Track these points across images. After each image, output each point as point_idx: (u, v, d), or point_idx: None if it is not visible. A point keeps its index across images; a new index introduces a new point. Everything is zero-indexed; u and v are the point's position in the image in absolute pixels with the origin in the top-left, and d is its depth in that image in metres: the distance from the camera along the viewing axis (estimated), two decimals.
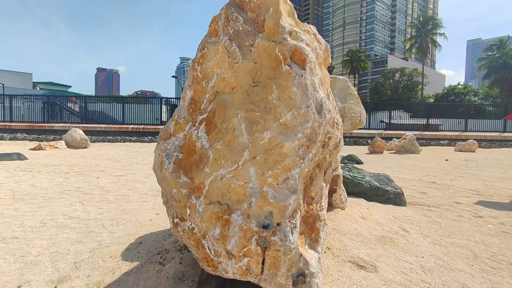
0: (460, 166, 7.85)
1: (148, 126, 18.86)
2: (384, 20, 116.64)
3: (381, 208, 3.34)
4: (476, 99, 44.54)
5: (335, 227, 2.39)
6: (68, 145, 10.97)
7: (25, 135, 15.84)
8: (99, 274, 1.87)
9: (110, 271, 1.90)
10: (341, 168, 4.17)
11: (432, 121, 21.47)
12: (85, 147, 11.16)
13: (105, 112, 22.22)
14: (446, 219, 3.14)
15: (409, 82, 50.99)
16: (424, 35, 42.79)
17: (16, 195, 3.92)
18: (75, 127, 13.10)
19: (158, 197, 3.89)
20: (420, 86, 47.24)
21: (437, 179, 5.70)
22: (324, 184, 1.63)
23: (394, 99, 44.48)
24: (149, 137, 16.29)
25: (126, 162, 7.50)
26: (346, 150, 12.21)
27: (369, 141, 14.65)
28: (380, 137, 13.29)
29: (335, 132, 1.44)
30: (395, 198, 3.72)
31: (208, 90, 1.49)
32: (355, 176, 3.85)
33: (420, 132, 18.91)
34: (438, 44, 43.56)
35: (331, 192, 2.76)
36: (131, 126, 18.75)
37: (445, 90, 48.85)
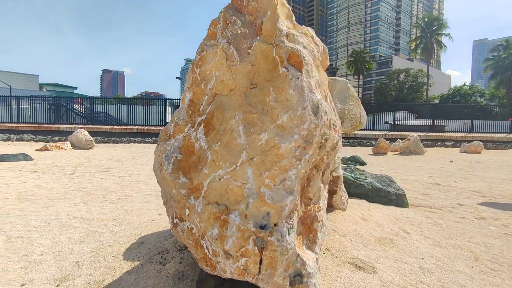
0: (465, 167, 7.78)
1: (153, 127, 18.99)
2: (388, 21, 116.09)
3: (383, 210, 3.33)
4: (482, 100, 44.10)
5: (335, 228, 2.39)
6: (74, 146, 11.09)
7: (32, 136, 16.05)
8: (100, 273, 1.90)
9: (111, 270, 1.93)
10: (343, 169, 4.17)
11: (437, 122, 21.30)
12: (90, 148, 11.27)
13: (110, 113, 22.44)
14: (448, 221, 3.13)
15: (414, 83, 50.69)
16: (429, 36, 42.50)
17: (22, 195, 3.99)
18: (81, 128, 13.25)
19: (161, 197, 3.92)
20: (425, 87, 46.89)
21: (441, 181, 5.66)
22: (322, 185, 1.64)
23: (399, 100, 44.27)
24: (154, 138, 16.40)
25: (130, 163, 7.57)
26: (350, 151, 12.18)
27: (373, 142, 14.58)
28: (385, 138, 13.23)
29: (332, 133, 1.45)
30: (397, 199, 3.71)
31: (207, 92, 1.51)
32: (357, 177, 3.85)
33: (425, 133, 18.78)
34: (443, 44, 43.21)
35: (332, 193, 2.77)
36: (136, 127, 18.89)
37: (451, 91, 48.46)
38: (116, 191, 4.35)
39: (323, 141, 1.39)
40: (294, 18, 1.59)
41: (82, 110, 24.56)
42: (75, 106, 25.00)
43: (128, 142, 15.39)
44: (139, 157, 9.10)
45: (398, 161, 9.01)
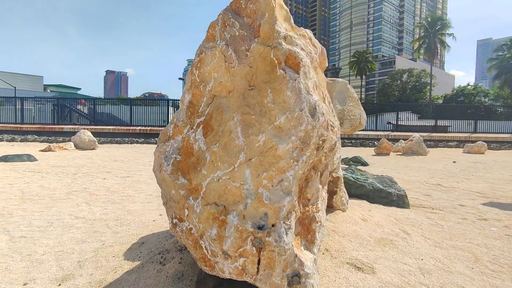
0: (468, 168, 7.74)
1: (155, 128, 19.07)
2: (391, 21, 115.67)
3: (383, 210, 3.33)
4: (486, 100, 43.77)
5: (335, 228, 2.40)
6: (77, 146, 11.17)
7: (36, 136, 16.19)
8: (101, 273, 1.92)
9: (112, 270, 1.95)
10: (344, 170, 4.17)
11: (440, 123, 21.20)
12: (93, 149, 11.35)
13: (113, 114, 22.58)
14: (449, 222, 3.12)
15: (417, 83, 50.45)
16: (432, 36, 42.26)
17: (25, 196, 4.03)
18: (84, 129, 13.34)
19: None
20: (428, 87, 46.65)
21: (443, 181, 5.64)
22: (320, 186, 1.65)
23: (402, 100, 44.08)
24: (156, 138, 16.42)
25: (133, 164, 7.61)
26: (352, 152, 12.15)
27: (375, 142, 14.54)
28: (387, 139, 13.19)
29: (329, 134, 1.46)
30: (398, 200, 3.70)
31: (206, 94, 1.53)
32: (358, 178, 3.85)
33: (428, 133, 18.69)
34: (447, 44, 42.95)
35: (332, 194, 2.77)
36: (139, 127, 18.98)
37: (454, 91, 48.17)
38: (118, 192, 4.38)
39: (320, 142, 1.40)
40: (292, 20, 1.60)
41: (86, 111, 24.72)
42: (78, 107, 25.17)
43: (131, 143, 15.47)
44: (142, 157, 9.15)
45: (400, 162, 8.98)
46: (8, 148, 11.34)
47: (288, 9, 1.58)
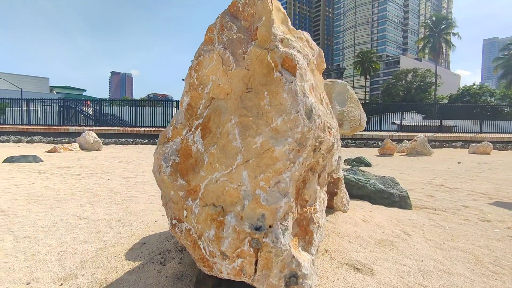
0: (473, 168, 7.67)
1: (159, 129, 19.17)
2: (396, 21, 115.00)
3: (385, 211, 3.32)
4: (492, 99, 43.29)
5: (335, 229, 2.40)
6: (82, 147, 11.29)
7: (42, 137, 16.38)
8: (103, 273, 1.95)
9: (113, 270, 1.98)
10: (346, 170, 4.16)
11: (445, 123, 21.01)
12: (98, 150, 11.45)
13: (118, 115, 22.76)
14: (451, 223, 3.10)
15: (422, 83, 50.08)
16: (437, 35, 41.95)
17: (30, 196, 4.09)
18: (89, 130, 13.47)
19: None
20: (433, 87, 46.28)
21: (447, 182, 5.60)
22: (318, 187, 1.66)
23: (406, 100, 43.78)
24: None
25: (136, 164, 7.67)
26: (356, 152, 12.11)
27: (379, 143, 14.47)
28: (392, 139, 13.11)
29: (326, 136, 1.47)
30: (400, 201, 3.69)
31: (204, 96, 1.55)
32: (360, 179, 3.84)
33: (433, 134, 18.54)
34: (452, 44, 42.60)
35: (332, 195, 2.77)
36: (143, 128, 19.11)
37: (460, 91, 47.71)
38: (121, 192, 4.42)
39: (317, 144, 1.41)
40: (289, 23, 1.61)
41: (91, 112, 24.96)
42: (84, 108, 25.42)
43: (135, 144, 15.58)
44: (145, 158, 9.21)
45: (404, 162, 8.92)
46: (14, 149, 11.50)
47: (285, 12, 1.60)
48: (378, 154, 11.53)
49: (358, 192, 3.76)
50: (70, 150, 10.61)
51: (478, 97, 42.80)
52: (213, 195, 1.48)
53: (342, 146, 16.06)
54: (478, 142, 13.92)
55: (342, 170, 4.19)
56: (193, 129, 1.55)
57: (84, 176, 5.74)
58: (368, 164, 8.17)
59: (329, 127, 1.52)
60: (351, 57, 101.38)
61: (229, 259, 1.45)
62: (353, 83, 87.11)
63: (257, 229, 1.40)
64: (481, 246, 2.49)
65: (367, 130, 19.82)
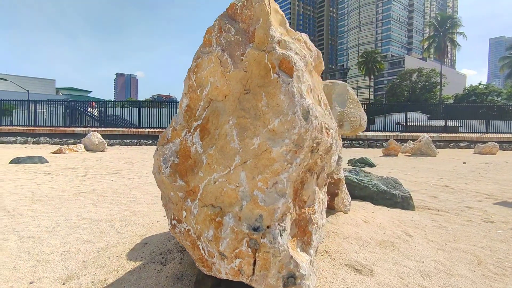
0: (478, 169, 7.59)
1: (164, 130, 19.27)
2: (400, 20, 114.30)
3: (387, 212, 3.30)
4: (499, 99, 42.78)
5: (335, 230, 2.40)
6: (87, 148, 11.40)
7: (48, 139, 16.57)
8: (104, 273, 1.97)
9: (114, 270, 2.00)
10: (348, 171, 4.15)
11: (451, 123, 20.82)
12: (102, 151, 11.55)
13: (123, 116, 22.95)
14: (454, 224, 3.07)
15: (427, 83, 49.68)
16: (442, 35, 41.60)
17: (35, 197, 4.14)
18: (94, 131, 13.61)
19: None
20: (438, 87, 45.88)
21: (451, 183, 5.55)
22: (316, 188, 1.66)
23: (411, 101, 43.47)
24: None
25: (140, 165, 7.73)
26: (360, 153, 12.06)
27: (383, 143, 14.38)
28: (396, 140, 13.02)
29: (324, 137, 1.47)
30: (402, 202, 3.67)
31: (203, 98, 1.56)
32: (362, 180, 3.83)
33: (438, 134, 18.38)
34: (457, 43, 42.21)
35: (333, 195, 2.77)
36: (147, 129, 19.23)
37: (466, 91, 47.23)
38: (124, 193, 4.46)
39: (314, 145, 1.42)
40: (287, 24, 1.62)
41: (96, 113, 25.19)
42: (89, 109, 25.67)
43: (140, 145, 15.69)
44: (149, 159, 9.27)
45: (408, 163, 8.86)
46: (21, 150, 11.65)
47: (283, 14, 1.61)
48: (382, 154, 11.46)
49: (360, 193, 3.75)
50: (75, 151, 10.72)
51: (485, 96, 42.32)
52: (211, 196, 1.50)
53: (346, 147, 15.99)
54: (484, 142, 13.78)
55: (345, 170, 4.19)
56: (192, 131, 1.57)
57: (88, 177, 5.80)
58: (371, 165, 8.13)
59: (327, 128, 1.53)
60: (355, 57, 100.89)
61: (228, 259, 1.46)
62: (358, 83, 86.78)
63: (255, 229, 1.41)
64: (484, 247, 2.47)
65: (371, 131, 19.74)
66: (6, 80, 34.42)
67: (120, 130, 18.98)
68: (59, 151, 10.27)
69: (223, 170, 1.47)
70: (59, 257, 2.23)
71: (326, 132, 1.52)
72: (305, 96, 1.37)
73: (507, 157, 11.06)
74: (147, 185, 5.12)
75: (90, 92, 64.40)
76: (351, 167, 5.62)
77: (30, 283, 1.85)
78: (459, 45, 42.21)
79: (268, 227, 1.40)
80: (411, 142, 12.15)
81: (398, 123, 22.01)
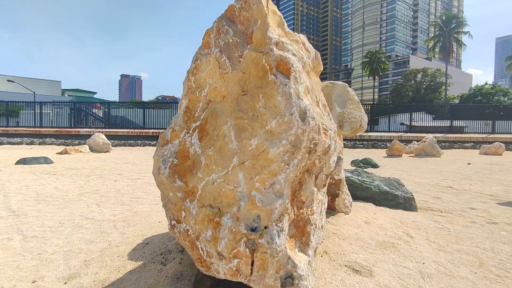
0: (483, 170, 7.52)
1: None
2: (405, 20, 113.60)
3: (389, 213, 3.29)
4: (505, 99, 42.27)
5: (336, 231, 2.39)
6: (92, 149, 11.51)
7: (53, 139, 16.76)
8: (105, 272, 1.99)
9: (115, 270, 2.02)
10: (350, 172, 4.14)
11: (456, 123, 20.64)
12: (107, 151, 11.66)
13: (127, 117, 23.13)
14: (456, 225, 3.05)
15: (432, 83, 49.29)
16: (447, 34, 41.27)
17: (40, 197, 4.20)
18: (99, 132, 13.74)
19: None
20: (443, 87, 45.51)
21: (455, 184, 5.51)
22: (315, 189, 1.67)
23: (416, 101, 43.15)
24: None
25: (144, 166, 7.78)
26: (364, 153, 12.01)
27: (387, 144, 14.31)
28: (400, 140, 12.96)
29: (322, 138, 1.48)
30: (405, 203, 3.65)
31: (201, 99, 1.58)
32: (364, 181, 3.82)
33: (443, 134, 18.22)
34: (463, 43, 41.84)
35: (334, 196, 2.77)
36: (151, 130, 19.35)
37: (472, 91, 46.76)
38: (128, 193, 4.50)
39: (312, 145, 1.42)
40: (286, 26, 1.63)
41: (101, 114, 25.42)
42: (94, 110, 25.92)
43: (144, 145, 15.79)
44: (152, 160, 9.32)
45: (412, 164, 8.81)
46: (27, 151, 11.80)
47: (281, 15, 1.61)
48: (386, 155, 11.40)
49: (362, 193, 3.74)
50: (80, 152, 10.83)
51: (491, 96, 41.86)
52: (210, 196, 1.51)
53: (349, 147, 15.93)
54: (490, 142, 13.64)
55: (347, 171, 4.18)
56: (190, 132, 1.58)
57: (92, 178, 5.85)
58: (375, 165, 8.09)
59: (325, 129, 1.53)
60: (359, 58, 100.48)
61: (226, 259, 1.47)
62: (362, 83, 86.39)
63: (253, 230, 1.42)
64: (486, 249, 2.44)
65: (376, 131, 19.64)
66: (13, 81, 34.89)
67: (124, 131, 19.13)
68: (64, 152, 10.39)
69: (221, 170, 1.48)
70: (62, 257, 2.26)
71: (324, 133, 1.52)
72: (302, 97, 1.38)
73: None
74: (150, 185, 5.15)
75: (95, 93, 65.00)
76: (353, 168, 5.60)
77: (33, 282, 1.88)
78: (465, 44, 41.84)
79: (265, 227, 1.41)
80: (415, 142, 12.08)
81: (402, 124, 21.88)
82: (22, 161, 7.67)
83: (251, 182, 1.43)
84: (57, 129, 19.72)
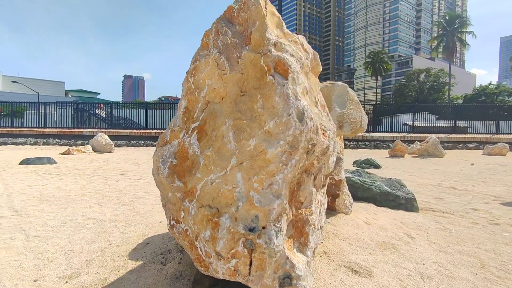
0: (486, 170, 7.46)
1: None
2: (408, 20, 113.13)
3: (390, 214, 3.28)
4: (510, 99, 41.94)
5: (335, 231, 2.39)
6: (94, 149, 11.57)
7: (57, 140, 16.87)
8: (106, 272, 2.01)
9: (116, 269, 2.03)
10: (352, 172, 4.14)
11: (459, 123, 20.51)
12: (109, 152, 11.71)
13: (130, 118, 23.24)
14: (458, 226, 3.04)
15: (435, 83, 49.04)
16: (451, 34, 41.04)
17: (43, 197, 4.23)
18: (102, 132, 13.81)
19: None
20: (447, 87, 45.25)
21: (458, 184, 5.48)
22: (314, 189, 1.67)
23: (419, 101, 42.94)
24: None
25: (146, 166, 7.81)
26: (366, 154, 11.97)
27: (390, 144, 14.25)
28: (403, 141, 12.90)
29: (320, 138, 1.48)
30: (406, 203, 3.64)
31: (200, 100, 1.59)
32: (365, 181, 3.81)
33: (446, 135, 18.12)
34: (466, 43, 41.58)
35: (334, 197, 2.77)
36: (154, 131, 19.42)
37: (475, 91, 46.45)
38: (129, 194, 4.52)
39: (310, 146, 1.42)
40: (284, 26, 1.63)
41: (104, 114, 25.55)
42: (97, 111, 26.05)
43: (146, 146, 15.84)
44: None
45: (415, 164, 8.77)
46: (31, 151, 11.89)
47: (280, 16, 1.62)
48: (389, 155, 11.35)
49: (364, 194, 3.73)
50: (83, 152, 10.89)
51: (495, 97, 41.55)
52: (208, 197, 1.52)
53: (352, 148, 15.88)
54: (494, 143, 13.54)
55: (348, 172, 4.17)
56: (189, 132, 1.59)
57: (95, 178, 5.89)
58: (377, 166, 8.07)
59: (323, 130, 1.53)
60: (362, 58, 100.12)
61: (224, 259, 1.47)
62: (364, 84, 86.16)
63: (251, 230, 1.43)
64: (488, 250, 2.43)
65: (378, 132, 19.57)
66: (17, 82, 35.19)
67: (127, 131, 19.21)
68: (68, 152, 10.45)
69: (219, 171, 1.49)
70: (63, 256, 2.28)
71: (322, 134, 1.52)
72: (300, 97, 1.39)
73: None
74: (152, 186, 5.17)
75: (98, 94, 65.41)
76: (355, 168, 5.59)
77: (34, 281, 1.90)
78: (468, 44, 41.60)
79: (263, 227, 1.42)
80: (418, 143, 12.02)
81: (405, 124, 21.79)
82: (26, 161, 7.73)
83: (249, 182, 1.43)
84: (60, 130, 19.85)
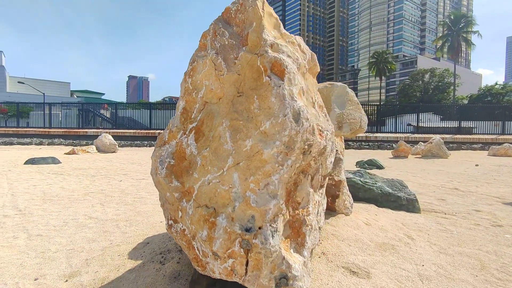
0: (491, 171, 7.39)
1: None
2: (413, 20, 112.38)
3: (391, 215, 3.26)
4: None
5: (335, 232, 2.39)
6: (98, 149, 11.66)
7: (62, 140, 17.03)
8: (105, 271, 2.03)
9: (115, 268, 2.05)
10: (353, 173, 4.12)
11: (464, 124, 20.33)
12: (113, 152, 11.80)
13: (134, 118, 23.38)
14: (460, 228, 3.01)
15: (440, 83, 48.66)
16: (456, 34, 40.69)
17: (46, 196, 4.27)
18: (106, 132, 13.92)
19: None
20: (452, 87, 44.86)
21: (461, 185, 5.43)
22: (311, 190, 1.67)
23: (424, 101, 42.64)
24: None
25: (149, 166, 7.85)
26: (369, 155, 11.91)
27: (394, 145, 14.17)
28: (407, 141, 12.83)
29: (317, 139, 1.48)
30: (407, 204, 3.61)
31: (198, 101, 1.60)
32: (366, 182, 3.80)
33: (451, 135, 17.97)
34: (472, 42, 41.19)
35: (334, 197, 2.76)
36: (158, 131, 19.51)
37: (481, 91, 45.99)
38: (132, 193, 4.55)
39: (306, 146, 1.43)
40: (282, 27, 1.64)
41: (108, 115, 25.74)
42: (102, 111, 26.25)
43: (150, 146, 15.93)
44: None
45: (418, 165, 8.71)
46: (36, 151, 12.02)
47: (277, 17, 1.62)
48: (392, 156, 11.29)
49: (365, 195, 3.72)
50: (87, 152, 10.99)
51: (501, 97, 41.12)
52: (205, 197, 1.53)
53: (355, 148, 15.82)
54: (499, 144, 13.40)
55: (349, 172, 4.16)
56: (187, 133, 1.60)
57: (98, 178, 5.94)
58: (380, 167, 8.03)
59: (320, 130, 1.53)
60: (366, 58, 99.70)
61: (221, 259, 1.48)
62: (368, 84, 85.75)
63: (247, 230, 1.43)
64: (489, 251, 2.41)
65: (382, 132, 19.46)
66: (23, 83, 35.60)
67: (131, 131, 19.34)
68: (72, 152, 10.55)
69: (216, 171, 1.50)
70: (64, 255, 2.30)
71: (319, 134, 1.52)
72: (297, 98, 1.39)
73: None
74: (154, 186, 5.20)
75: (103, 94, 65.93)
76: (356, 169, 5.57)
77: (35, 280, 1.92)
78: (474, 44, 41.18)
79: (260, 228, 1.42)
80: (422, 143, 11.93)
81: (409, 125, 21.65)
82: (31, 161, 7.81)
83: (245, 182, 1.44)
84: (65, 130, 20.04)
